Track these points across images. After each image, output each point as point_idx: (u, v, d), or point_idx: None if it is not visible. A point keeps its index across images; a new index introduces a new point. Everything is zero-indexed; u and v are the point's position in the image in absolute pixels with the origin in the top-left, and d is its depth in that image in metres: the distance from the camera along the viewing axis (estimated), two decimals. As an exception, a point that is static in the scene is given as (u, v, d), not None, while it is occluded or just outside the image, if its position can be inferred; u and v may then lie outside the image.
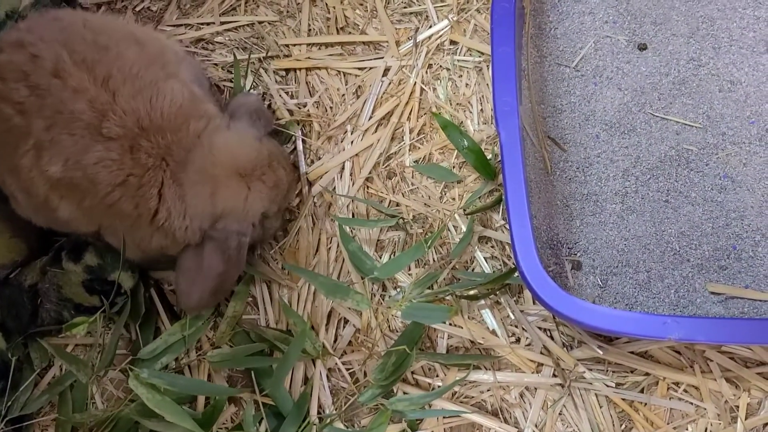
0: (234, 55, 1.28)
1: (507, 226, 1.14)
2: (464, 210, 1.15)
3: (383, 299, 1.13)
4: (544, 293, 0.89)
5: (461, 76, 1.25)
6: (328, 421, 0.99)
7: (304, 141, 1.23)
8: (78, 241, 1.06)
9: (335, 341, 1.12)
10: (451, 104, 1.23)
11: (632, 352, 1.04)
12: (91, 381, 1.01)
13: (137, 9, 1.37)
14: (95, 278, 1.05)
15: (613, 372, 1.06)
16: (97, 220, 0.98)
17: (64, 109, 0.90)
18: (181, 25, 1.34)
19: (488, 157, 1.16)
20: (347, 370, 1.10)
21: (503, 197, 1.01)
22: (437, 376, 1.08)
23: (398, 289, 1.12)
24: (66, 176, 0.92)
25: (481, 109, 1.22)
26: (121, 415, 1.04)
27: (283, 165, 1.04)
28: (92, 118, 0.90)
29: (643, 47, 1.26)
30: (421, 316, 1.02)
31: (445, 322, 1.07)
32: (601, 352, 1.02)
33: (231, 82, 1.27)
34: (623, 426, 1.03)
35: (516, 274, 1.05)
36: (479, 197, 1.15)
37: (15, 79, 0.91)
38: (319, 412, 1.07)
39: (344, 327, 1.13)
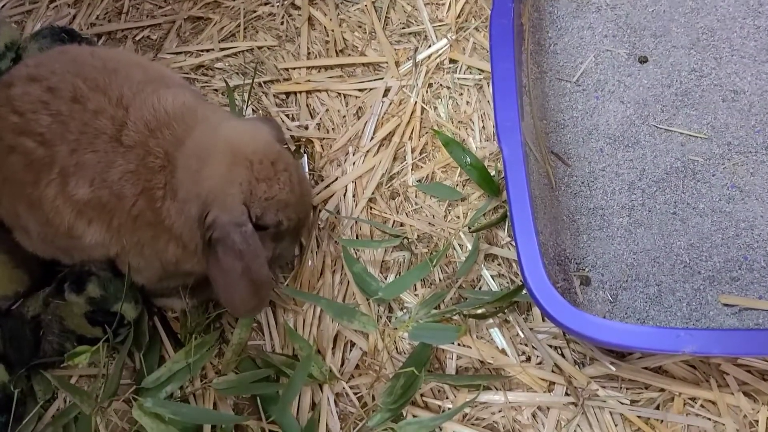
0: (226, 82, 1.28)
1: (513, 243, 1.13)
2: (469, 228, 1.14)
3: (389, 321, 1.11)
4: (553, 309, 0.88)
5: (462, 94, 1.25)
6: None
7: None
8: (81, 272, 1.04)
9: (342, 365, 1.10)
10: (452, 122, 1.23)
11: (646, 368, 1.02)
12: (94, 412, 0.99)
13: (137, 38, 1.37)
14: (97, 310, 1.04)
15: (627, 389, 1.03)
16: (123, 239, 0.98)
17: (88, 129, 0.93)
18: (181, 52, 1.35)
19: (492, 174, 1.15)
20: (355, 394, 1.08)
21: (508, 213, 1.00)
22: (447, 398, 1.06)
23: (404, 310, 1.11)
24: (94, 197, 0.94)
25: (483, 126, 1.21)
26: (125, 446, 1.03)
27: (292, 177, 0.96)
28: (114, 131, 0.94)
29: (643, 60, 1.25)
30: (429, 337, 1.01)
31: (453, 343, 1.05)
32: (613, 369, 1.00)
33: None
34: (640, 444, 1.01)
35: (524, 291, 1.03)
36: (483, 214, 1.14)
37: (33, 110, 0.94)
38: (327, 439, 1.05)
39: (351, 350, 1.11)
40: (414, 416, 1.04)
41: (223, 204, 0.92)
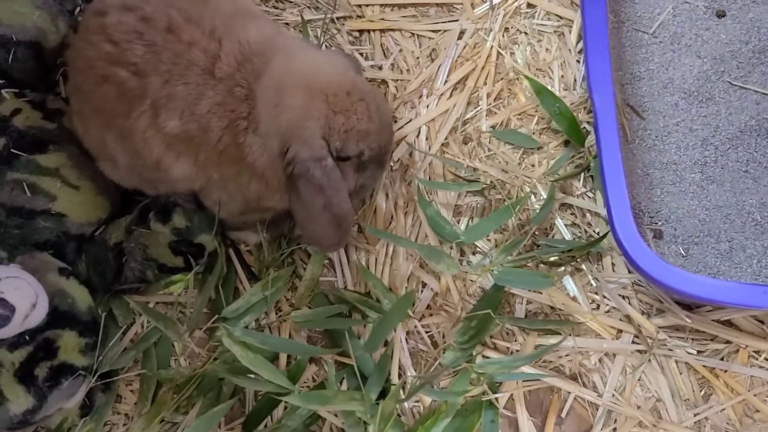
0: (302, 16, 1.26)
1: (588, 194, 1.15)
2: (545, 176, 1.15)
3: (460, 264, 1.14)
4: (643, 262, 0.90)
5: (540, 40, 1.23)
6: (419, 383, 1.00)
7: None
8: (166, 203, 1.06)
9: (414, 304, 1.13)
10: (529, 69, 1.22)
11: (716, 320, 1.05)
12: (183, 339, 1.02)
13: (205, -35, 1.34)
14: (181, 240, 1.06)
15: (693, 339, 1.07)
16: (209, 174, 0.99)
17: (181, 60, 0.92)
18: (251, -14, 1.32)
19: (574, 124, 1.15)
20: (426, 332, 1.12)
21: (599, 165, 1.00)
22: (515, 340, 1.10)
23: (481, 255, 1.13)
24: (183, 130, 0.94)
25: (562, 75, 1.21)
26: (206, 371, 1.06)
27: (369, 106, 0.94)
28: (207, 63, 0.93)
29: (721, 14, 1.24)
30: (516, 282, 1.03)
31: (542, 291, 1.08)
32: (689, 321, 1.03)
33: (304, 42, 1.26)
34: (703, 392, 1.05)
35: (602, 242, 1.06)
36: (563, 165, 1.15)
37: (128, 39, 0.93)
38: (399, 374, 1.09)
39: (422, 291, 1.14)
40: (485, 356, 1.08)
41: (302, 139, 0.92)
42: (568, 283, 1.10)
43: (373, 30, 1.27)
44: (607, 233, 1.04)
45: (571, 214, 1.14)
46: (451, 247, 1.14)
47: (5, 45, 1.06)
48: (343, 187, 0.95)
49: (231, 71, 0.94)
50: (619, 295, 1.10)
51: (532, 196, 1.15)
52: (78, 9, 1.16)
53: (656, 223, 1.10)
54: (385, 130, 0.98)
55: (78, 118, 1.04)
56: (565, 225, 1.13)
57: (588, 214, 1.14)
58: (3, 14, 1.07)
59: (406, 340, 1.11)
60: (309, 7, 1.30)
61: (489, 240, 1.14)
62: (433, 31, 1.27)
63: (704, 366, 1.05)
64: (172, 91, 0.94)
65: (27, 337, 0.95)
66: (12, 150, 1.01)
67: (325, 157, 0.92)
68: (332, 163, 0.93)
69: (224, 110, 0.94)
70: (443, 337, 1.11)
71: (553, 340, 1.08)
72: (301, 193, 0.94)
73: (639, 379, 1.06)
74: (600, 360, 1.08)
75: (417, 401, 1.08)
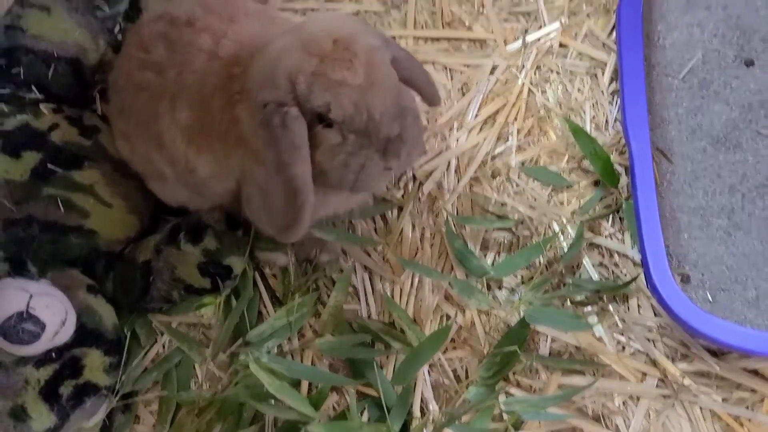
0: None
1: (617, 235, 1.15)
2: (573, 214, 1.16)
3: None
4: (680, 310, 0.90)
5: (572, 80, 1.25)
6: (447, 419, 0.99)
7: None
8: (198, 224, 1.06)
9: (438, 337, 1.12)
10: (561, 108, 1.23)
11: (744, 369, 1.05)
12: (207, 362, 1.01)
13: (242, -10, 1.36)
14: (210, 261, 1.05)
15: (717, 386, 1.07)
16: (229, 166, 0.93)
17: (191, 49, 0.91)
18: (287, 9, 1.34)
19: (605, 166, 1.16)
20: (449, 366, 1.11)
21: (631, 208, 1.01)
22: (539, 377, 1.09)
23: (507, 290, 1.13)
24: (194, 121, 0.92)
25: (594, 116, 1.22)
26: (226, 395, 1.05)
27: (357, 60, 0.79)
28: (211, 44, 0.90)
29: (749, 63, 1.25)
30: (545, 321, 1.03)
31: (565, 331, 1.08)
32: (718, 368, 1.03)
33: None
34: (726, 440, 1.05)
35: (632, 285, 1.06)
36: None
37: (154, 43, 0.93)
38: (420, 407, 1.08)
39: (446, 324, 1.13)
40: (508, 393, 1.07)
41: (269, 79, 0.81)
42: (595, 323, 1.10)
43: (407, 61, 1.28)
44: (637, 276, 1.04)
45: (599, 254, 1.15)
46: (477, 282, 1.14)
47: (46, 60, 1.08)
48: (303, 147, 0.81)
49: (235, 49, 0.89)
50: (645, 338, 1.09)
51: (561, 234, 1.16)
52: (118, 27, 1.17)
53: (684, 268, 1.11)
54: (376, 95, 0.80)
55: (123, 140, 1.04)
56: (593, 265, 1.13)
57: (616, 255, 1.14)
58: (45, 30, 1.08)
59: (429, 372, 1.11)
60: (343, 35, 1.31)
61: (515, 276, 1.14)
62: (466, 65, 1.28)
63: (729, 414, 1.04)
64: (184, 82, 0.92)
65: (53, 355, 0.95)
66: (48, 165, 1.02)
67: (287, 102, 0.80)
68: (296, 112, 0.80)
69: (222, 91, 0.89)
70: (465, 371, 1.11)
71: (576, 379, 1.08)
72: (263, 149, 0.82)
73: (663, 424, 1.06)
74: (624, 402, 1.08)
75: (437, 436, 1.08)
